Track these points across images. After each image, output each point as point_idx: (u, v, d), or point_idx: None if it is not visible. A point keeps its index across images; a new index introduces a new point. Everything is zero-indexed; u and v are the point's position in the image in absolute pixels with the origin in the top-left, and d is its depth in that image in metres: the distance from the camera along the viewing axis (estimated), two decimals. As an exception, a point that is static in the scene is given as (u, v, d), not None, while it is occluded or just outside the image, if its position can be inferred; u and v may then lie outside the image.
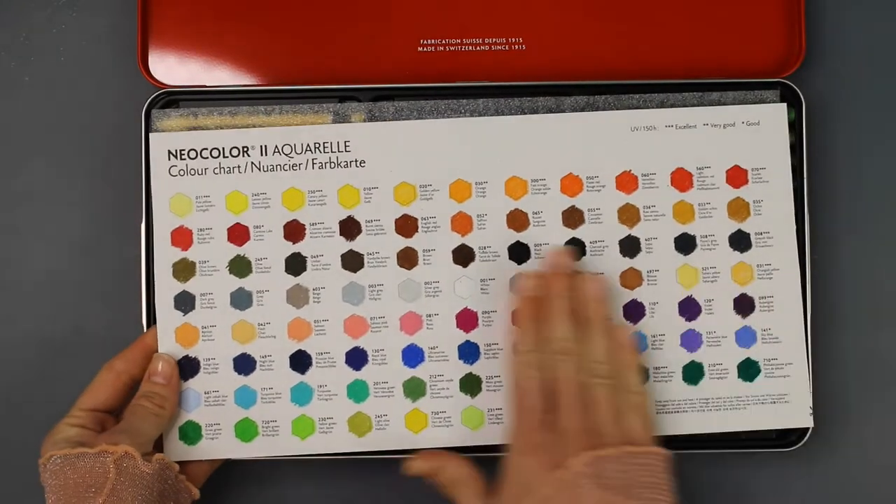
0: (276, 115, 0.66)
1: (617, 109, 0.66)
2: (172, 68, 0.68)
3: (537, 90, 0.67)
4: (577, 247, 0.65)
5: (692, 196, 0.65)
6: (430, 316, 0.65)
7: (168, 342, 0.64)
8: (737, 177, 0.65)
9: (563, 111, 0.66)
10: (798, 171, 0.66)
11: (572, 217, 0.65)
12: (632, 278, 0.65)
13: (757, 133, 0.65)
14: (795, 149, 0.66)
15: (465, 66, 0.68)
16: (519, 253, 0.65)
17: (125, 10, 0.69)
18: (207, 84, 0.67)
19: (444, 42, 0.68)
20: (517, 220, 0.65)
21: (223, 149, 0.65)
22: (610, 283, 0.64)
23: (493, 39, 0.68)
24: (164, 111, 0.66)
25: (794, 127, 0.66)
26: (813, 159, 0.67)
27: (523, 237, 0.65)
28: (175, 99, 0.67)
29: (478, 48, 0.68)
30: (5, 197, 0.69)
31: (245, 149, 0.65)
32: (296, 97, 0.67)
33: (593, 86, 0.67)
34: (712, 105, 0.66)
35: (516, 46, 0.68)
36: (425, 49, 0.68)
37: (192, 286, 0.64)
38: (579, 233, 0.65)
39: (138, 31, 0.67)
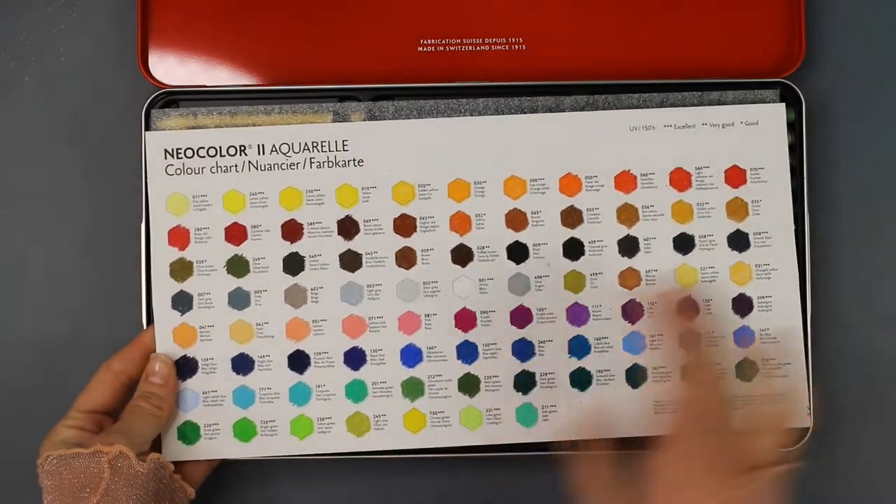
0: (276, 114, 0.66)
1: (617, 109, 0.66)
2: (172, 68, 0.68)
3: (537, 90, 0.67)
4: (576, 247, 0.65)
5: (691, 196, 0.65)
6: (428, 316, 0.65)
7: (166, 342, 0.64)
8: (735, 177, 0.65)
9: (562, 111, 0.66)
10: (798, 172, 0.66)
11: (571, 217, 0.65)
12: (630, 278, 0.65)
13: (756, 133, 0.65)
14: (795, 149, 0.66)
15: (465, 66, 0.68)
16: (518, 253, 0.65)
17: (125, 10, 0.69)
18: (207, 84, 0.67)
19: (444, 42, 0.68)
20: (516, 219, 0.65)
21: (220, 148, 0.65)
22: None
23: (493, 39, 0.68)
24: (164, 111, 0.66)
25: (793, 127, 0.66)
26: (812, 159, 0.67)
27: (522, 237, 0.65)
28: (175, 99, 0.67)
29: (478, 48, 0.68)
30: (5, 197, 0.69)
31: (242, 148, 0.65)
32: (296, 97, 0.67)
33: (593, 86, 0.67)
34: (712, 105, 0.66)
35: (516, 46, 0.68)
36: (425, 49, 0.68)
37: (189, 286, 0.64)
38: (578, 233, 0.65)
39: (138, 31, 0.67)
